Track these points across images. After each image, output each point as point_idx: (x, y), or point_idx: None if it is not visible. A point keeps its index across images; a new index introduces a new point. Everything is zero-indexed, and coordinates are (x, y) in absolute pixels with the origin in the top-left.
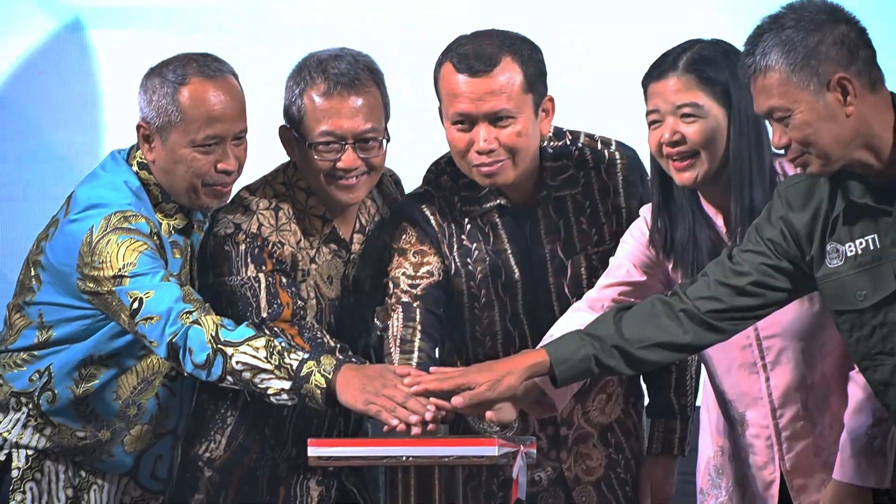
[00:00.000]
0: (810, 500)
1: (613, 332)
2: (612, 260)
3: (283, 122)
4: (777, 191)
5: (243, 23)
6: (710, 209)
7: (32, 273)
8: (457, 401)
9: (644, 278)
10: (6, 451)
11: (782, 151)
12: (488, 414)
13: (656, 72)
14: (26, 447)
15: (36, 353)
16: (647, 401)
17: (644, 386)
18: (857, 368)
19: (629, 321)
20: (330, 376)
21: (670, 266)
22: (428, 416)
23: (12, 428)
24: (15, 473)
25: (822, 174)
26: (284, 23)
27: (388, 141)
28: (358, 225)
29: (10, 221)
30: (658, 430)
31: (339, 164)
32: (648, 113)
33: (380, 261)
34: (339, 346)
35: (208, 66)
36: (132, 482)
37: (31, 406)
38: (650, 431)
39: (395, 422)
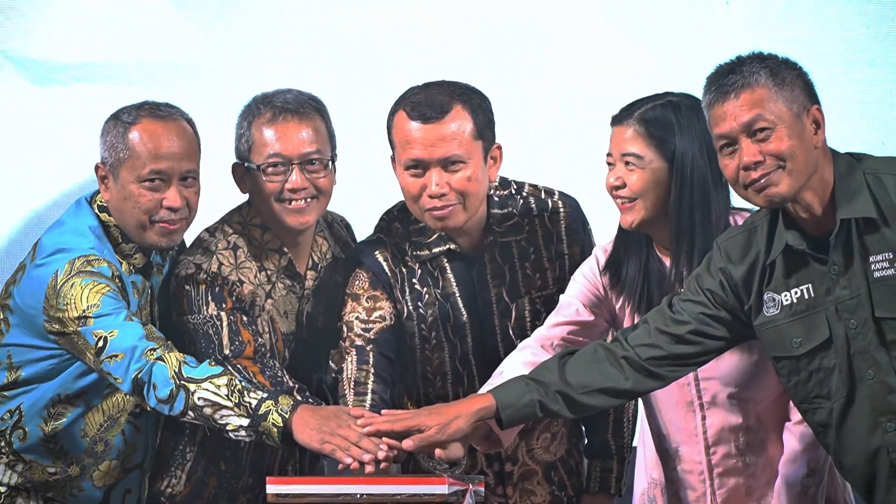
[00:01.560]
0: None
1: (557, 378)
2: (562, 297)
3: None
4: (716, 243)
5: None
6: (660, 251)
7: (1, 316)
8: (407, 443)
9: (592, 318)
10: None
11: (747, 172)
12: (438, 452)
13: (617, 118)
14: None
15: (6, 393)
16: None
17: (583, 427)
18: (792, 420)
19: (573, 367)
20: (287, 416)
21: (618, 305)
22: (381, 454)
23: None
24: None
25: (783, 198)
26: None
27: (334, 167)
28: (311, 262)
29: None
30: (595, 470)
31: (287, 185)
32: (607, 154)
33: (332, 299)
34: (297, 386)
35: (160, 110)
36: None
37: (2, 444)
38: (588, 471)
39: (349, 460)
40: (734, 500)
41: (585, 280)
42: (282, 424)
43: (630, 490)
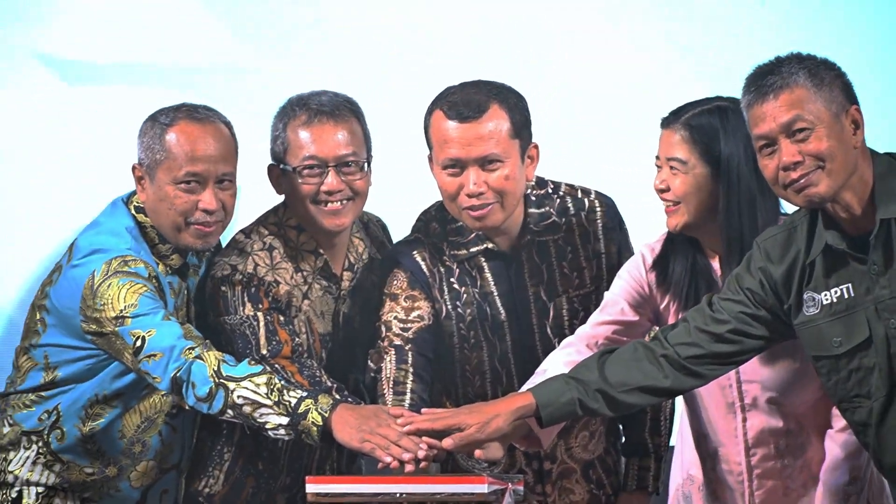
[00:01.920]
0: None
1: (597, 377)
2: (606, 295)
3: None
4: (756, 242)
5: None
6: (707, 253)
7: (37, 317)
8: (447, 442)
9: (637, 318)
10: (17, 489)
11: (786, 172)
12: (477, 452)
13: (666, 121)
14: (36, 484)
15: (43, 393)
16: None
17: (621, 426)
18: (835, 427)
19: (612, 366)
20: (326, 415)
21: (662, 304)
22: (420, 454)
23: (23, 465)
24: None
25: (822, 199)
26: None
27: (369, 168)
28: (347, 263)
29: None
30: (633, 468)
31: (323, 188)
32: (656, 157)
33: (368, 299)
34: (335, 385)
35: (197, 112)
36: None
37: (40, 444)
38: (625, 469)
39: (388, 459)
40: (770, 501)
41: (630, 278)
42: (321, 423)
43: (665, 486)
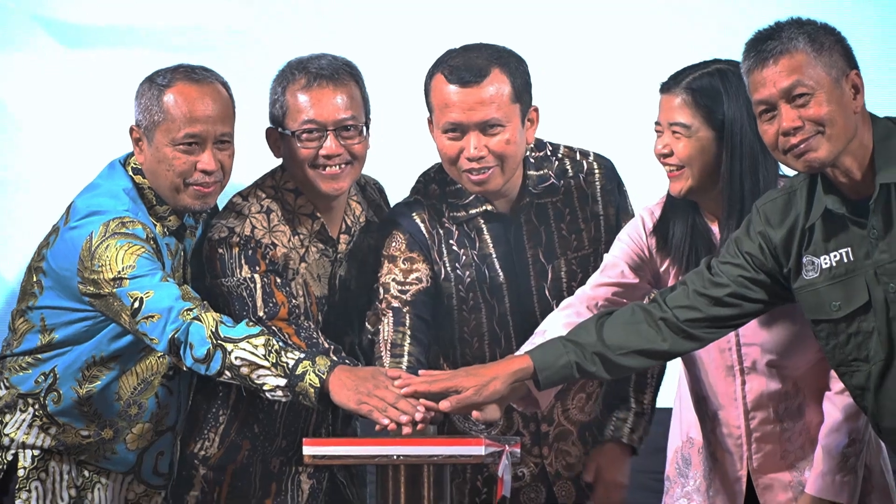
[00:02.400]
0: (774, 499)
1: (595, 339)
2: (606, 257)
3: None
4: (755, 206)
5: (242, 42)
6: (707, 217)
7: (34, 279)
8: (444, 404)
9: (636, 280)
10: (13, 452)
11: (786, 138)
12: (475, 414)
13: (666, 85)
14: (32, 447)
15: (40, 356)
16: None
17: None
18: (833, 390)
19: (610, 328)
20: (324, 376)
21: (662, 267)
22: (417, 416)
23: (19, 428)
24: (21, 473)
25: (822, 163)
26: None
27: (368, 132)
28: (344, 226)
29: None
30: (611, 420)
31: (322, 152)
32: (655, 122)
33: (364, 263)
34: (332, 347)
35: (195, 72)
36: (135, 479)
37: (37, 407)
38: (605, 421)
39: (386, 421)
40: (769, 464)
41: (631, 241)
42: (319, 385)
43: (661, 450)
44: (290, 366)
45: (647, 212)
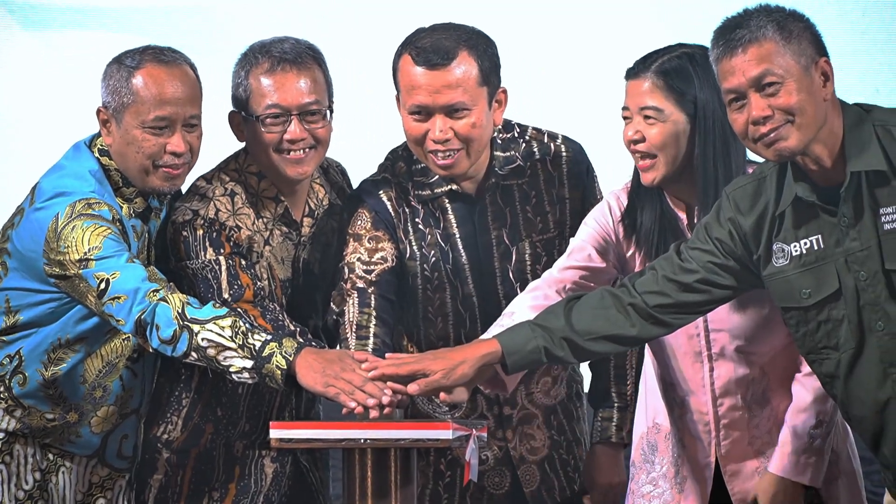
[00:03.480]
0: (742, 486)
1: (563, 324)
2: (573, 241)
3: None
4: (725, 192)
5: (203, 23)
6: (674, 204)
7: None
8: (412, 388)
9: (603, 265)
10: None
11: (756, 127)
12: (442, 395)
13: (633, 70)
14: None
15: (4, 337)
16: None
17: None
18: (802, 371)
19: (579, 313)
20: (291, 358)
21: (628, 252)
22: (385, 399)
23: None
24: None
25: (792, 152)
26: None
27: (331, 116)
28: (307, 209)
29: None
30: (596, 420)
31: (286, 136)
32: (623, 108)
33: (328, 245)
34: (298, 329)
35: (163, 54)
36: (99, 463)
37: (2, 389)
38: (591, 421)
39: (353, 404)
40: (736, 451)
41: (597, 225)
42: (286, 367)
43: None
44: (256, 347)
45: (612, 196)
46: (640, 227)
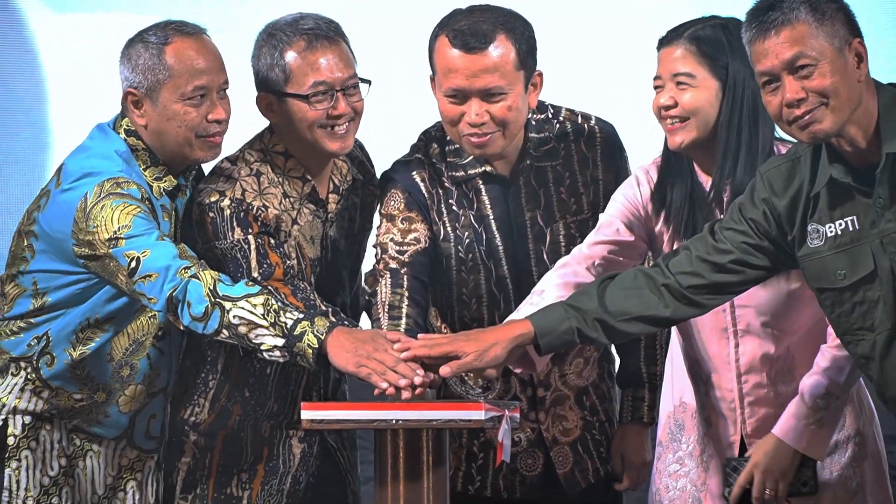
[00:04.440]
0: None
1: (596, 305)
2: (601, 216)
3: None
4: (759, 172)
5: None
6: (701, 176)
7: (25, 243)
8: (444, 370)
9: (632, 238)
10: (3, 417)
11: (790, 109)
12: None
13: (665, 40)
14: (24, 412)
15: (32, 319)
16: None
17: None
18: (828, 343)
19: (612, 294)
20: (323, 337)
21: (657, 227)
22: (417, 380)
23: (10, 392)
24: (11, 441)
25: (826, 135)
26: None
27: (369, 87)
28: (332, 185)
29: None
30: (627, 399)
31: (334, 112)
32: (654, 77)
33: (351, 221)
34: (330, 308)
35: (185, 27)
36: (128, 445)
37: (29, 370)
38: (620, 400)
39: (384, 385)
40: (762, 429)
41: (626, 200)
42: (317, 346)
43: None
44: (288, 326)
45: (641, 171)
46: (670, 202)
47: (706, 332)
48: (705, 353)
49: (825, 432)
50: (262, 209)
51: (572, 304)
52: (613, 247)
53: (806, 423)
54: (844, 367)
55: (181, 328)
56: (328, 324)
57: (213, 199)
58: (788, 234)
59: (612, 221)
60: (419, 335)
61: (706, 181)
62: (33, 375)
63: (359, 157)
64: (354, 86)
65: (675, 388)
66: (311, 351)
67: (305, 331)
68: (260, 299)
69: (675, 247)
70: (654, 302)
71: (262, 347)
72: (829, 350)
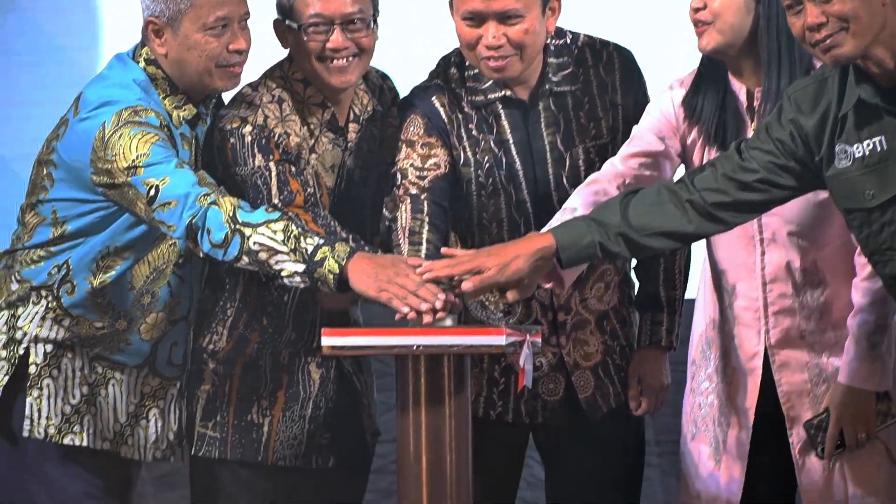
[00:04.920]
0: (790, 379)
1: (619, 220)
2: (635, 129)
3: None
4: (786, 93)
5: None
6: (735, 84)
7: (44, 172)
8: (466, 285)
9: (663, 148)
10: (25, 346)
11: (812, 33)
12: (509, 295)
13: None
14: (45, 340)
15: (52, 248)
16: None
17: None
18: (859, 276)
19: (636, 208)
20: (343, 263)
21: (689, 138)
22: (438, 304)
23: (31, 321)
24: (32, 370)
25: (848, 59)
26: None
27: (376, 24)
28: (352, 115)
29: (23, 124)
30: (645, 323)
31: (329, 45)
32: None
33: (370, 152)
34: (351, 235)
35: None
36: (150, 372)
37: (50, 299)
38: (639, 325)
39: (406, 309)
40: (787, 342)
41: (658, 111)
42: (338, 271)
43: (685, 342)
44: (308, 251)
45: (676, 82)
46: (701, 109)
47: (733, 240)
48: (732, 261)
49: (888, 362)
50: (284, 136)
51: (595, 218)
52: (645, 159)
53: (869, 362)
54: (885, 298)
55: (201, 255)
56: (349, 249)
57: (234, 125)
58: (815, 155)
59: (644, 134)
60: (442, 249)
61: (739, 90)
62: (54, 304)
63: (379, 86)
64: (358, 20)
65: (708, 306)
66: (331, 276)
67: (326, 256)
68: (280, 225)
69: (707, 158)
70: (677, 217)
71: (283, 274)
72: (864, 284)
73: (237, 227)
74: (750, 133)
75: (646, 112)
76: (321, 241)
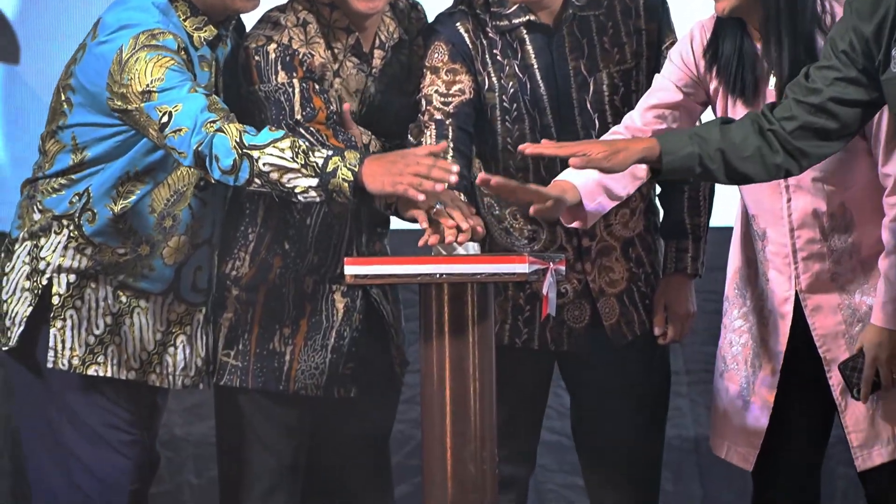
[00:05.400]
0: (823, 322)
1: (719, 137)
2: (655, 78)
3: None
4: (847, 2)
5: None
6: (753, 35)
7: (63, 98)
8: (574, 161)
9: (682, 97)
10: (48, 276)
11: None
12: (533, 209)
13: None
14: (69, 269)
15: (73, 176)
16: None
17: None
18: (889, 216)
19: (733, 131)
20: (356, 169)
21: (712, 87)
22: (452, 178)
23: (54, 251)
24: (56, 300)
25: None
26: None
27: None
28: (378, 41)
29: (50, 56)
30: (671, 250)
31: None
32: None
33: (393, 78)
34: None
35: None
36: (175, 299)
37: (72, 228)
38: (664, 252)
39: (422, 197)
40: (817, 284)
41: (679, 59)
42: (352, 178)
43: (713, 269)
44: (319, 164)
45: (698, 25)
46: (721, 55)
47: (761, 187)
48: (760, 208)
49: None
50: (308, 56)
51: (697, 133)
52: (666, 111)
53: None
54: None
55: (213, 182)
56: (359, 155)
57: (259, 43)
58: (875, 59)
59: (665, 83)
60: (543, 142)
61: (755, 38)
62: (76, 233)
63: (408, 16)
64: None
65: (745, 244)
66: (346, 185)
67: (338, 166)
68: (286, 143)
69: (730, 106)
70: (765, 146)
71: (297, 190)
72: (894, 224)
73: (245, 151)
74: (770, 83)
75: (667, 59)
76: (330, 153)
